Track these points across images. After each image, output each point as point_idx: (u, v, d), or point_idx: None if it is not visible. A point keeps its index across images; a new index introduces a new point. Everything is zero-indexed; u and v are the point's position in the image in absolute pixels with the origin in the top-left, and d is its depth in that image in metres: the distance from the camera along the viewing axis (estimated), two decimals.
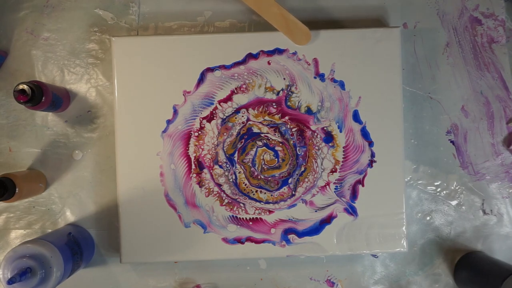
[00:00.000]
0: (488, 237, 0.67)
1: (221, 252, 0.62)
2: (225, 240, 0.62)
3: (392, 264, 0.67)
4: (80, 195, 0.65)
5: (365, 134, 0.62)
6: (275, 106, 0.62)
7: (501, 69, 0.67)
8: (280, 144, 0.62)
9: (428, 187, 0.67)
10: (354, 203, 0.62)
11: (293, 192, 0.62)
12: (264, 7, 0.59)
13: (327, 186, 0.62)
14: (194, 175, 0.62)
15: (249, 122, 0.62)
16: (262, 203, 0.62)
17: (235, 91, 0.62)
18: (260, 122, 0.62)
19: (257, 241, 0.62)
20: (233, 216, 0.62)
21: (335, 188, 0.62)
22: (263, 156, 0.62)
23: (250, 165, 0.62)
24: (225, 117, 0.62)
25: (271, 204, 0.62)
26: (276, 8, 0.59)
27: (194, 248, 0.62)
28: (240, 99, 0.62)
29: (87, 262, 0.63)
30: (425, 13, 0.67)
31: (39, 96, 0.57)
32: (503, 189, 0.68)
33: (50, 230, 0.65)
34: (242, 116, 0.62)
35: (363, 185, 0.62)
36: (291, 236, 0.62)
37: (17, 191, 0.58)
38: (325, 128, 0.62)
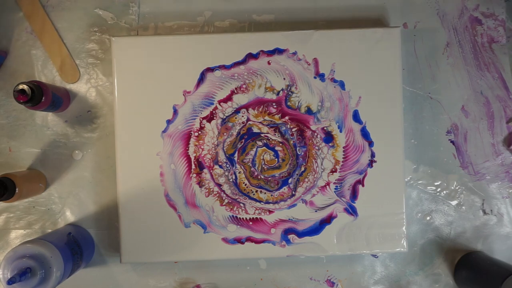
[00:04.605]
0: (488, 237, 0.67)
1: (221, 252, 0.62)
2: (225, 240, 0.62)
3: (392, 264, 0.67)
4: (80, 195, 0.65)
5: (365, 134, 0.62)
6: (275, 106, 0.62)
7: (501, 69, 0.67)
8: (280, 144, 0.62)
9: (428, 187, 0.67)
10: (354, 203, 0.62)
11: (293, 192, 0.62)
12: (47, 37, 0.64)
13: (327, 186, 0.62)
14: (194, 175, 0.62)
15: (249, 122, 0.62)
16: (262, 203, 0.62)
17: (235, 91, 0.62)
18: (260, 122, 0.62)
19: (257, 241, 0.62)
20: (233, 216, 0.62)
21: (335, 188, 0.62)
22: (263, 156, 0.62)
23: (250, 165, 0.62)
24: (225, 117, 0.62)
25: (271, 204, 0.62)
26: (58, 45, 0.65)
27: (194, 248, 0.62)
28: (240, 99, 0.62)
29: (87, 262, 0.63)
30: (425, 13, 0.67)
31: (39, 96, 0.57)
32: (503, 189, 0.68)
33: (50, 230, 0.65)
34: (242, 116, 0.62)
35: (363, 185, 0.62)
36: (291, 236, 0.62)
37: (17, 191, 0.58)
38: (325, 128, 0.62)
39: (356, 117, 0.62)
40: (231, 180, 0.62)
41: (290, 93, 0.62)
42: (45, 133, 0.65)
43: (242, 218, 0.62)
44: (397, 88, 0.62)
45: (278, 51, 0.62)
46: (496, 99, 0.68)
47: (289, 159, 0.62)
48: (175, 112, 0.61)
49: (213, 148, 0.62)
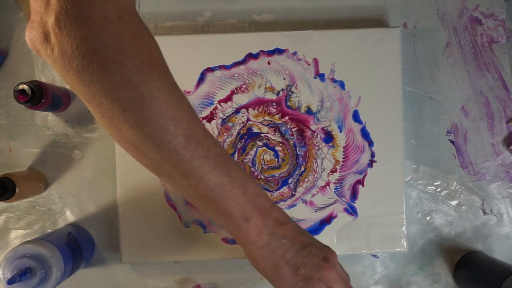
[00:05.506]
0: (488, 237, 0.67)
1: (221, 252, 0.62)
2: (225, 240, 0.62)
3: (392, 264, 0.67)
4: (80, 195, 0.65)
5: (365, 134, 0.62)
6: (275, 106, 0.62)
7: (501, 69, 0.67)
8: (280, 144, 0.62)
9: (428, 187, 0.67)
10: (354, 203, 0.62)
11: (293, 192, 0.62)
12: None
13: (327, 186, 0.62)
14: None
15: (249, 122, 0.62)
16: None
17: (235, 91, 0.62)
18: (260, 122, 0.62)
19: None
20: None
21: (335, 188, 0.62)
22: (263, 156, 0.62)
23: (250, 165, 0.62)
24: (225, 117, 0.62)
25: None
26: None
27: (194, 248, 0.62)
28: (240, 99, 0.62)
29: (87, 262, 0.63)
30: (425, 13, 0.67)
31: (39, 96, 0.57)
32: (503, 189, 0.68)
33: (50, 230, 0.65)
34: (242, 116, 0.62)
35: (363, 185, 0.62)
36: None
37: (17, 191, 0.58)
38: (325, 128, 0.62)
39: (356, 117, 0.62)
40: None
41: (290, 93, 0.62)
42: (45, 133, 0.65)
43: None
44: (397, 88, 0.62)
45: (278, 51, 0.62)
46: (496, 99, 0.68)
47: (289, 159, 0.62)
48: None
49: None
